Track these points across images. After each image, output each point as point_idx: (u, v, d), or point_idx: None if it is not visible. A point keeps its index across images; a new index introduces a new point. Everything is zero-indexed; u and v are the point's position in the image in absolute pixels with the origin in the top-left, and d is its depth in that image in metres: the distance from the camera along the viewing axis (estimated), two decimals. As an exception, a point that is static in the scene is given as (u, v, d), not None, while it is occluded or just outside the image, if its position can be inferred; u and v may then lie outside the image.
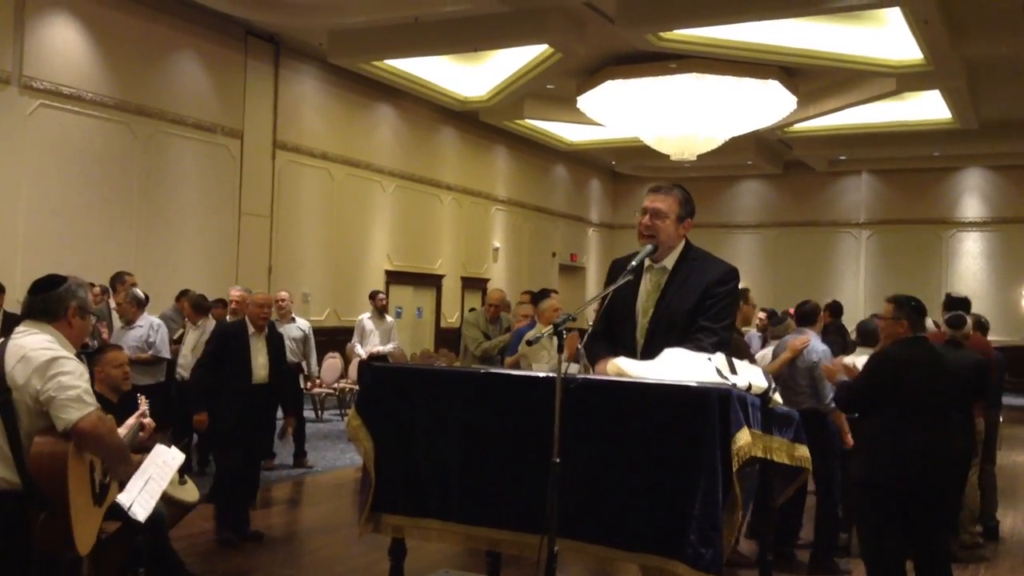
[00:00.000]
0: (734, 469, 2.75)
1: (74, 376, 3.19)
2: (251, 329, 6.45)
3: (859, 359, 6.17)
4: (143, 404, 4.28)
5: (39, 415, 3.18)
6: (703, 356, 3.06)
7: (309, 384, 10.13)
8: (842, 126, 17.43)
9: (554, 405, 2.80)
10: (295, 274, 14.29)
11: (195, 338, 8.57)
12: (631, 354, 3.37)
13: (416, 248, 17.23)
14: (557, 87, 15.38)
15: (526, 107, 16.51)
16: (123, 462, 3.42)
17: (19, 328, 3.35)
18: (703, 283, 3.46)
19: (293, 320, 9.66)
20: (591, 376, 3.12)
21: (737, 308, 3.63)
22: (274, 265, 14.11)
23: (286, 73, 14.24)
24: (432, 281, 17.67)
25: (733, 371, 3.01)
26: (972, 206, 21.11)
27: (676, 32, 12.36)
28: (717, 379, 2.95)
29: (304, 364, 9.59)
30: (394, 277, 16.60)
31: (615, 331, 3.61)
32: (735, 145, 16.90)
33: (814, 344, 6.13)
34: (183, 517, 5.11)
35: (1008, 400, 15.16)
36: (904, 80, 13.47)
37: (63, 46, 10.95)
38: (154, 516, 4.42)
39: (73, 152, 11.13)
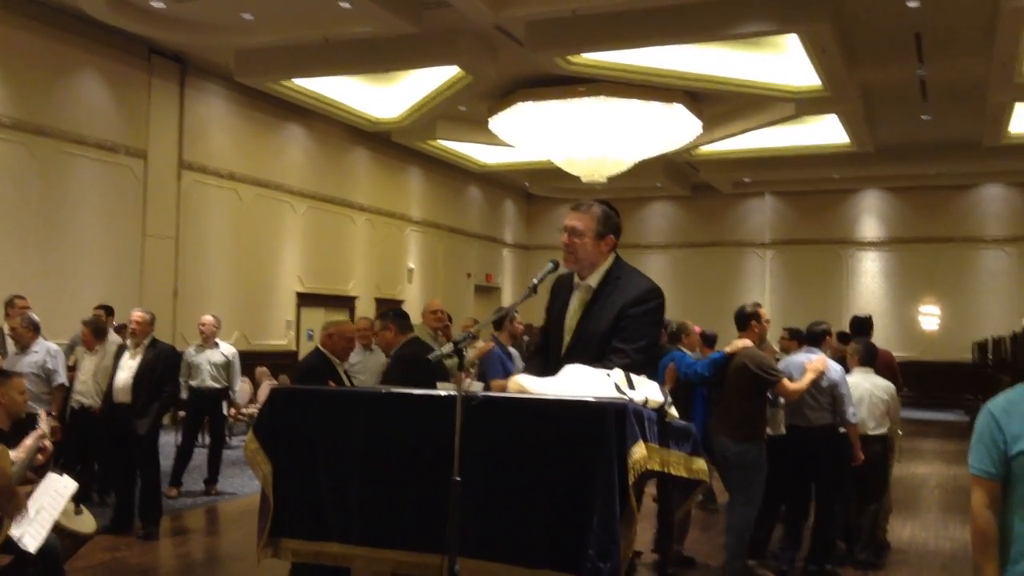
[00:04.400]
0: (630, 482, 2.78)
1: None
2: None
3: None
4: (43, 424, 4.11)
5: None
6: (602, 372, 3.10)
7: (233, 411, 9.84)
8: (746, 149, 17.94)
9: (455, 423, 2.81)
10: (202, 297, 13.96)
11: (95, 363, 8.28)
12: (557, 370, 3.33)
13: (328, 270, 17.05)
14: (469, 109, 15.47)
15: (439, 128, 16.54)
16: (9, 500, 3.26)
17: None
18: (620, 303, 3.42)
19: (216, 345, 9.44)
20: (491, 394, 3.13)
21: (657, 329, 3.57)
22: (180, 288, 13.78)
23: (192, 92, 13.99)
24: (345, 303, 17.48)
25: (631, 386, 3.05)
26: (870, 226, 21.93)
27: (584, 56, 12.56)
28: (615, 394, 2.99)
29: (229, 390, 9.44)
30: (306, 299, 16.39)
31: (551, 346, 3.63)
32: (645, 168, 17.22)
33: (831, 363, 6.37)
34: (79, 548, 4.92)
35: (908, 414, 15.76)
36: (803, 105, 13.94)
37: (-45, 63, 10.58)
38: (47, 548, 4.27)
39: (-34, 172, 10.73)
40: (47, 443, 3.98)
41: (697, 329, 8.01)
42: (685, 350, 7.16)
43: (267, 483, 3.34)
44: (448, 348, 2.94)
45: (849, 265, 21.95)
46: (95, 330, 8.55)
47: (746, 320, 6.42)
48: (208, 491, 9.14)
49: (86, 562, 6.26)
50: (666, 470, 3.09)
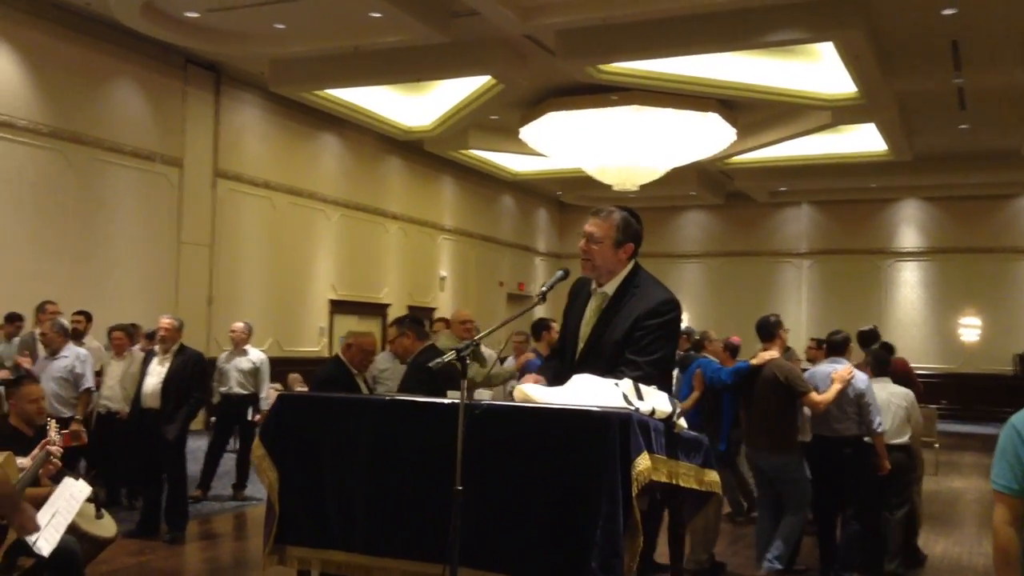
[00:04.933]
0: (634, 494, 2.74)
1: None
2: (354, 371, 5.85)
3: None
4: (52, 432, 4.15)
5: None
6: (610, 381, 3.06)
7: (259, 417, 9.95)
8: (782, 158, 17.74)
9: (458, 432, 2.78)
10: (236, 304, 14.09)
11: (122, 369, 8.37)
12: (568, 377, 3.27)
13: (361, 277, 17.14)
14: (501, 118, 15.47)
15: (471, 137, 16.59)
16: (13, 510, 3.25)
17: None
18: (635, 313, 3.35)
19: (245, 352, 9.49)
20: (495, 403, 3.10)
21: (672, 342, 3.46)
22: (214, 295, 13.93)
23: (227, 101, 14.15)
24: (377, 310, 17.56)
25: (640, 397, 3.01)
26: (909, 236, 21.59)
27: (616, 65, 12.51)
28: (623, 404, 2.94)
29: (256, 396, 9.47)
30: (339, 307, 16.49)
31: (565, 352, 3.59)
32: (678, 176, 17.11)
33: (857, 372, 6.35)
34: (99, 553, 4.96)
35: (947, 426, 15.48)
36: (839, 113, 13.77)
37: (-5, 73, 10.78)
38: (67, 552, 4.30)
39: (5, 180, 10.92)
40: (53, 448, 3.99)
41: (736, 340, 7.97)
42: (711, 357, 7.16)
43: (272, 490, 3.34)
44: (450, 356, 2.92)
45: (888, 275, 21.62)
46: (130, 336, 8.69)
47: (772, 330, 6.40)
48: (236, 496, 9.19)
49: (111, 566, 6.32)
50: (674, 481, 3.03)
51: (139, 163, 12.76)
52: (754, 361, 6.41)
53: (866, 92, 12.68)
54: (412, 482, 3.09)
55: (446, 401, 3.00)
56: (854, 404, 6.26)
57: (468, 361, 2.88)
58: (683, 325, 20.01)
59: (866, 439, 6.32)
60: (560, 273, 3.42)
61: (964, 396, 19.31)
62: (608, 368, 3.24)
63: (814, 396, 6.11)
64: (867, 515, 6.48)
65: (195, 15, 11.29)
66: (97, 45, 11.93)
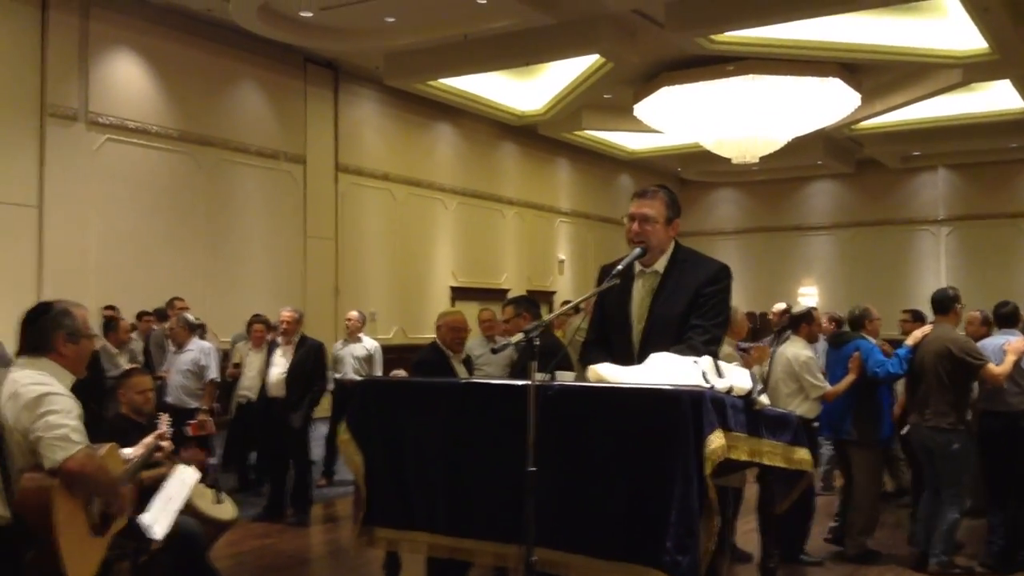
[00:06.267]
0: (707, 472, 2.68)
1: (62, 415, 3.15)
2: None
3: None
4: (163, 424, 4.37)
5: (30, 452, 3.15)
6: (689, 359, 3.00)
7: None
8: (913, 121, 16.92)
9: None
10: (361, 294, 14.50)
11: (261, 359, 8.61)
12: (627, 361, 3.33)
13: (480, 264, 17.33)
14: (614, 96, 15.32)
15: (584, 118, 16.46)
16: (115, 497, 3.39)
17: (17, 361, 3.34)
18: (694, 284, 3.46)
19: (359, 340, 9.76)
20: (568, 383, 3.09)
21: (728, 306, 3.60)
22: (340, 286, 14.36)
23: (345, 97, 14.53)
24: (498, 296, 17.66)
25: (719, 374, 2.94)
26: (1055, 198, 20.20)
27: (728, 34, 12.20)
28: (701, 382, 2.88)
29: None
30: (460, 293, 16.72)
31: (611, 338, 3.61)
32: (803, 145, 16.56)
33: None
34: (220, 535, 5.22)
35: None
36: (970, 71, 13.03)
37: (126, 82, 11.39)
38: (189, 534, 4.53)
39: (140, 184, 11.54)
40: (164, 443, 4.18)
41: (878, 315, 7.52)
42: (869, 338, 6.71)
43: (359, 473, 3.43)
44: (518, 337, 2.92)
45: (1034, 241, 20.30)
46: (268, 326, 9.03)
47: (949, 304, 6.17)
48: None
49: (239, 547, 6.63)
50: (757, 460, 2.95)
51: (264, 161, 13.26)
52: (909, 342, 6.17)
53: (998, 47, 11.95)
54: (489, 463, 3.12)
55: (519, 383, 3.00)
56: None
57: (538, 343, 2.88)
58: (813, 303, 19.05)
59: None
60: (638, 251, 3.40)
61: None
62: (675, 340, 3.32)
63: (992, 368, 5.88)
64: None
65: (309, 14, 11.61)
66: (220, 50, 12.44)
